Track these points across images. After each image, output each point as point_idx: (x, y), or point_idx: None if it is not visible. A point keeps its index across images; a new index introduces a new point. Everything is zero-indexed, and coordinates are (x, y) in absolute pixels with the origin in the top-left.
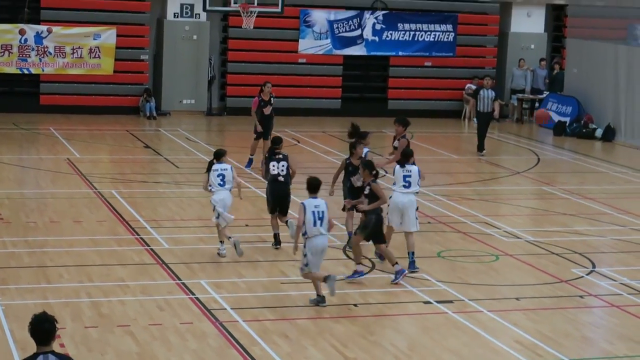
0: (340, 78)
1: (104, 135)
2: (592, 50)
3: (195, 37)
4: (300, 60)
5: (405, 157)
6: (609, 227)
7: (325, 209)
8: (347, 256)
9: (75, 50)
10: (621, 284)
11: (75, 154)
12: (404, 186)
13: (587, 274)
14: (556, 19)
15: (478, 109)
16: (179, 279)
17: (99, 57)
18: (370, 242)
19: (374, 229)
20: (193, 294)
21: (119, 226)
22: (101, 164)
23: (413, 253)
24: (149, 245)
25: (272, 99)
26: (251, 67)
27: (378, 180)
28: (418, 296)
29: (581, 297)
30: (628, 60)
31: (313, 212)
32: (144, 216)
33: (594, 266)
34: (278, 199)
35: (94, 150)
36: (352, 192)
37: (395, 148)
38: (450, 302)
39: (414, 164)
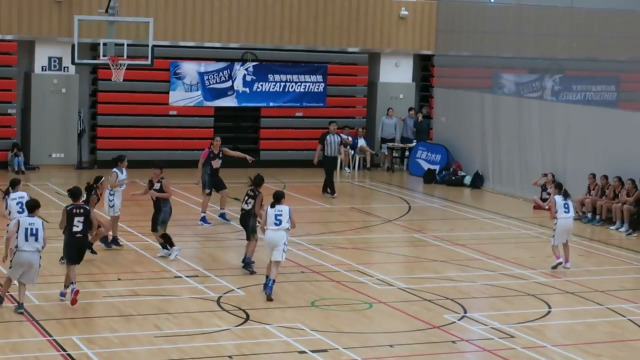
0: (212, 129)
1: None
2: (459, 99)
3: (64, 90)
4: (171, 112)
5: (276, 198)
6: (479, 272)
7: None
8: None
9: None
10: (492, 328)
11: None
12: (275, 224)
13: (458, 319)
14: (424, 69)
15: (326, 154)
16: (50, 336)
17: None
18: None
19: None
20: (64, 350)
21: None
22: None
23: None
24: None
25: (221, 152)
26: (122, 119)
27: None
28: (293, 346)
29: (453, 342)
30: (494, 108)
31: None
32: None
33: (465, 311)
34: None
35: None
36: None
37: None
38: (325, 351)
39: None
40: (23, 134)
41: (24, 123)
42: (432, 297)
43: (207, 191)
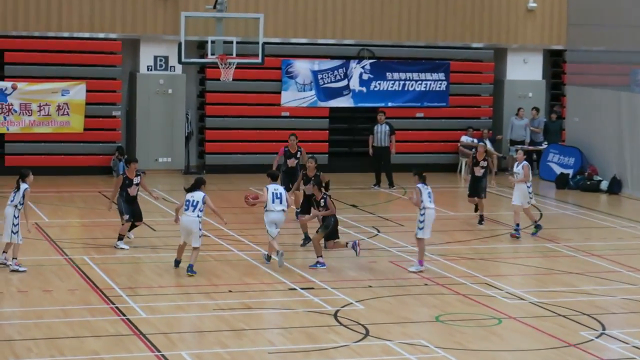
0: (327, 132)
1: (73, 198)
2: (593, 98)
3: (170, 91)
4: (283, 114)
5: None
6: (618, 285)
7: (283, 191)
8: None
9: (42, 108)
10: (634, 347)
11: (43, 218)
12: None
13: (596, 337)
14: (554, 65)
15: (373, 144)
16: (158, 351)
17: (67, 114)
18: None
19: (332, 229)
20: None
21: (92, 295)
22: (71, 229)
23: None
24: (124, 315)
25: (299, 152)
26: (231, 121)
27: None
28: None
29: None
30: (631, 107)
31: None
32: (118, 283)
33: (603, 328)
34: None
35: (64, 214)
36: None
37: None
38: None
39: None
40: (128, 138)
41: (128, 126)
42: (566, 312)
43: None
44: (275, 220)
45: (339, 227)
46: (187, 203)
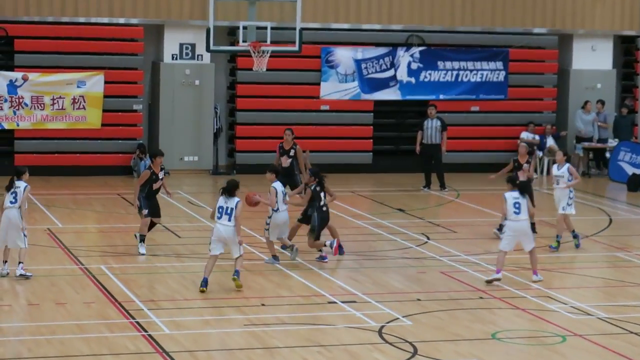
0: (371, 128)
1: (90, 201)
2: None
3: (197, 82)
4: (322, 107)
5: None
6: None
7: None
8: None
9: (55, 101)
10: None
11: (56, 224)
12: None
13: None
14: (626, 53)
15: (423, 141)
16: None
17: (84, 108)
18: None
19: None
20: None
21: (110, 308)
22: (88, 235)
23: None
24: (145, 331)
25: (293, 150)
26: (265, 116)
27: None
28: None
29: None
30: None
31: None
32: (139, 296)
33: None
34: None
35: (79, 219)
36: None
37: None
38: None
39: None
40: (150, 134)
41: (151, 121)
42: (639, 329)
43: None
44: (284, 221)
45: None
46: (220, 210)
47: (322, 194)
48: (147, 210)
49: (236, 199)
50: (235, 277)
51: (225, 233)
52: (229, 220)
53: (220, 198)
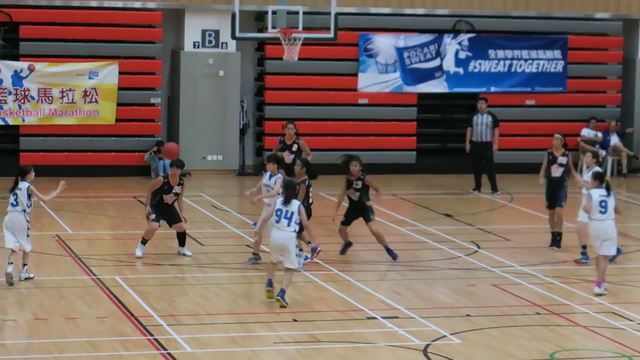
0: (415, 123)
1: (103, 204)
2: None
3: (221, 72)
4: (361, 101)
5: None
6: None
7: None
8: None
9: (65, 94)
10: None
11: (66, 230)
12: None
13: None
14: None
15: (472, 139)
16: None
17: (96, 101)
18: None
19: None
20: None
21: (125, 323)
22: (100, 242)
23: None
24: (165, 349)
25: (296, 144)
26: (296, 110)
27: None
28: None
29: None
30: None
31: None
32: (157, 310)
33: None
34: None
35: (91, 224)
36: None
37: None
38: None
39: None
40: (169, 131)
41: (170, 116)
42: None
43: None
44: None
45: None
46: (279, 214)
47: (310, 190)
48: (154, 215)
49: (297, 203)
50: (280, 297)
51: (280, 240)
52: (288, 225)
53: (278, 199)
